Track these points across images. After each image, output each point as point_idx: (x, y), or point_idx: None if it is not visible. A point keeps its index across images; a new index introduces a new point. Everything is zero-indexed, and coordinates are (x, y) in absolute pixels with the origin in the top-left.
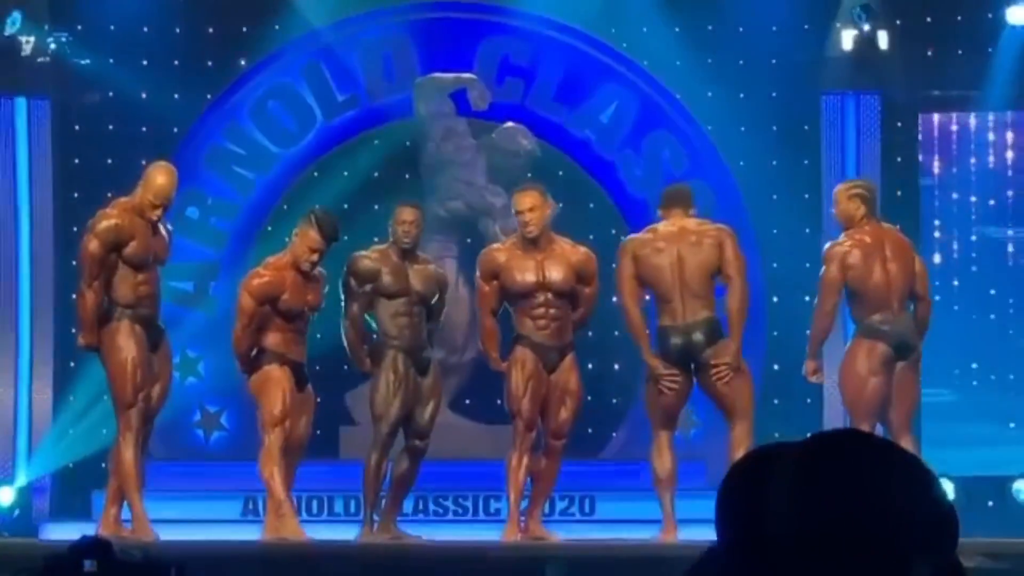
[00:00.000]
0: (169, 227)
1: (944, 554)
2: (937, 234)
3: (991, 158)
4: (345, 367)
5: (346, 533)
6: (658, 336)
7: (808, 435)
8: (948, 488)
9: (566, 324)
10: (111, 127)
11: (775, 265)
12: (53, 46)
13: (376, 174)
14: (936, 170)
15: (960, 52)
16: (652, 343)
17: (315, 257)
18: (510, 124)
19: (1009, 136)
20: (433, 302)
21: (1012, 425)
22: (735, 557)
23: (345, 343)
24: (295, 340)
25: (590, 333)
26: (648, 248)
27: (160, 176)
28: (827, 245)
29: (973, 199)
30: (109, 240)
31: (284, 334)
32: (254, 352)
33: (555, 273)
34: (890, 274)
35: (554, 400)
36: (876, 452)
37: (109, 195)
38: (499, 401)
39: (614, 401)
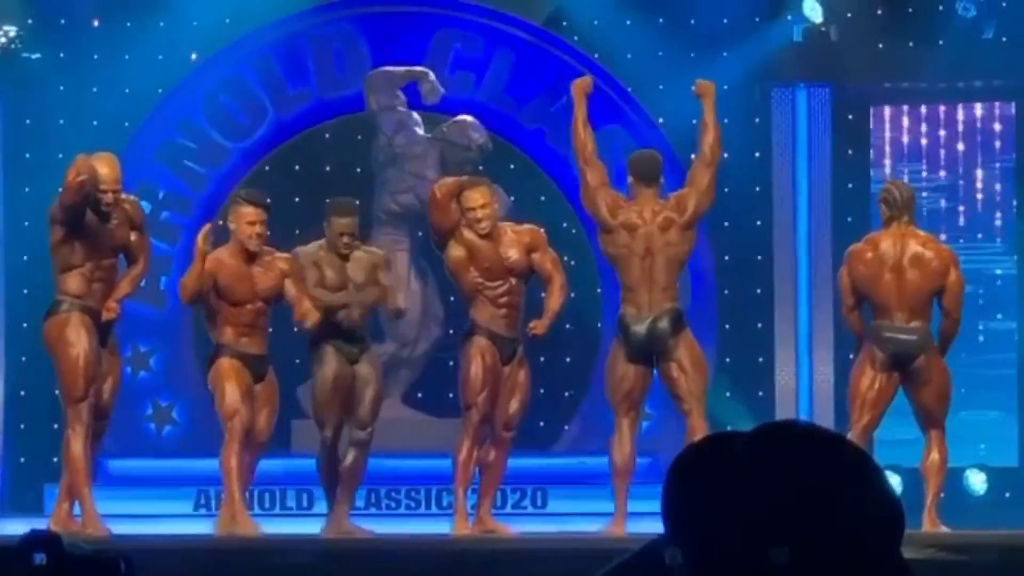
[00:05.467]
0: (132, 199)
1: (889, 546)
2: None
3: (941, 150)
4: (297, 360)
5: (299, 527)
6: (619, 323)
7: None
8: (895, 481)
9: (520, 316)
10: (62, 121)
11: (726, 258)
12: (3, 40)
13: (328, 168)
14: (887, 163)
15: (911, 44)
16: (613, 330)
17: (258, 230)
18: (462, 117)
19: (960, 128)
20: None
21: (962, 414)
22: (681, 547)
23: None
24: (245, 332)
25: None
26: (611, 237)
27: (101, 166)
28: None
29: (925, 193)
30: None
31: (235, 327)
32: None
33: (516, 254)
34: (903, 283)
35: (505, 392)
36: (820, 443)
37: (60, 190)
38: (451, 395)
39: (566, 394)
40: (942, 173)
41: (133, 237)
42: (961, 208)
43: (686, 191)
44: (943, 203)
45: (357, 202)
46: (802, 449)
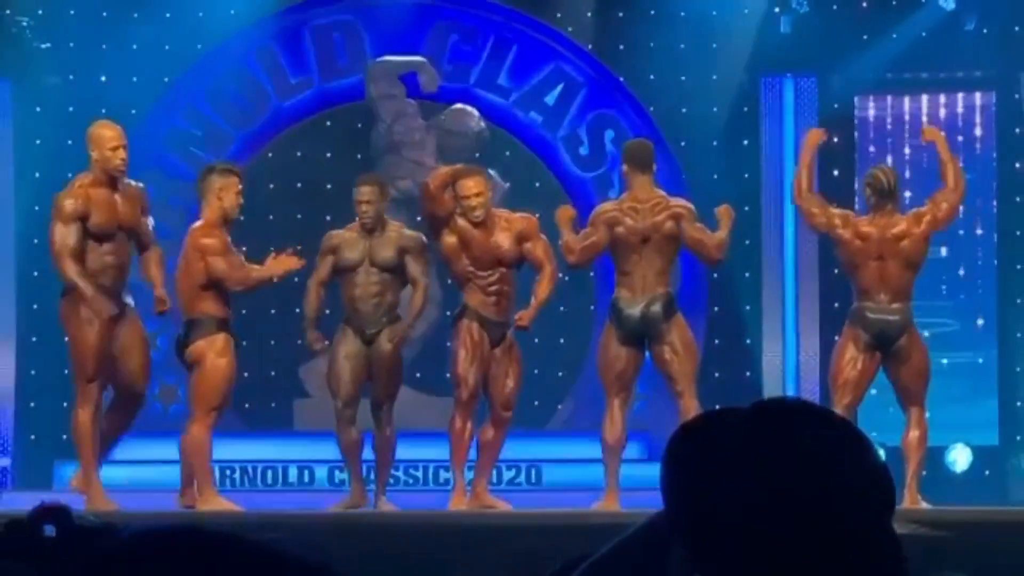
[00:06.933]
0: (140, 185)
1: (880, 518)
2: None
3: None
4: (299, 341)
5: (300, 503)
6: (612, 307)
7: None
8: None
9: (510, 302)
10: (71, 109)
11: None
12: (15, 30)
13: (329, 155)
14: (872, 151)
15: (895, 36)
16: (606, 313)
17: (242, 200)
18: (459, 106)
19: (942, 118)
20: (402, 265)
21: (944, 392)
22: (680, 523)
23: None
24: (229, 302)
25: None
26: (621, 227)
27: (103, 129)
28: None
29: (907, 174)
30: (71, 221)
31: (221, 297)
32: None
33: (506, 244)
34: (886, 269)
35: (499, 373)
36: (814, 418)
37: (69, 175)
38: (448, 374)
39: (560, 374)
40: (924, 159)
41: (143, 221)
42: None
43: (689, 207)
44: (925, 192)
45: (384, 178)
46: (799, 424)
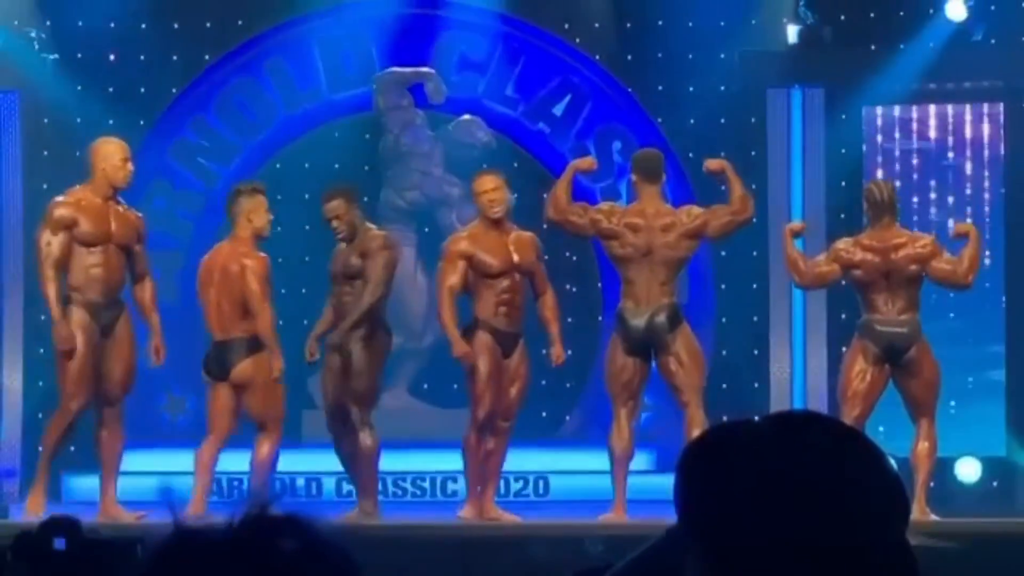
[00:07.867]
0: (139, 214)
1: (895, 529)
2: None
3: (931, 150)
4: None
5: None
6: (617, 317)
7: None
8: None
9: (520, 311)
10: (79, 120)
11: (723, 253)
12: (23, 42)
13: (336, 165)
14: (879, 162)
15: (902, 47)
16: (612, 324)
17: (271, 217)
18: (466, 117)
19: (949, 128)
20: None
21: (952, 403)
22: (695, 535)
23: None
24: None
25: None
26: (616, 241)
27: (107, 145)
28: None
29: (915, 196)
30: (59, 229)
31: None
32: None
33: (520, 255)
34: (892, 281)
35: (504, 384)
36: (829, 431)
37: (77, 186)
38: (456, 386)
39: (567, 385)
40: (932, 172)
41: (138, 248)
42: (950, 204)
43: (701, 210)
44: (933, 203)
45: (348, 185)
46: (813, 437)
